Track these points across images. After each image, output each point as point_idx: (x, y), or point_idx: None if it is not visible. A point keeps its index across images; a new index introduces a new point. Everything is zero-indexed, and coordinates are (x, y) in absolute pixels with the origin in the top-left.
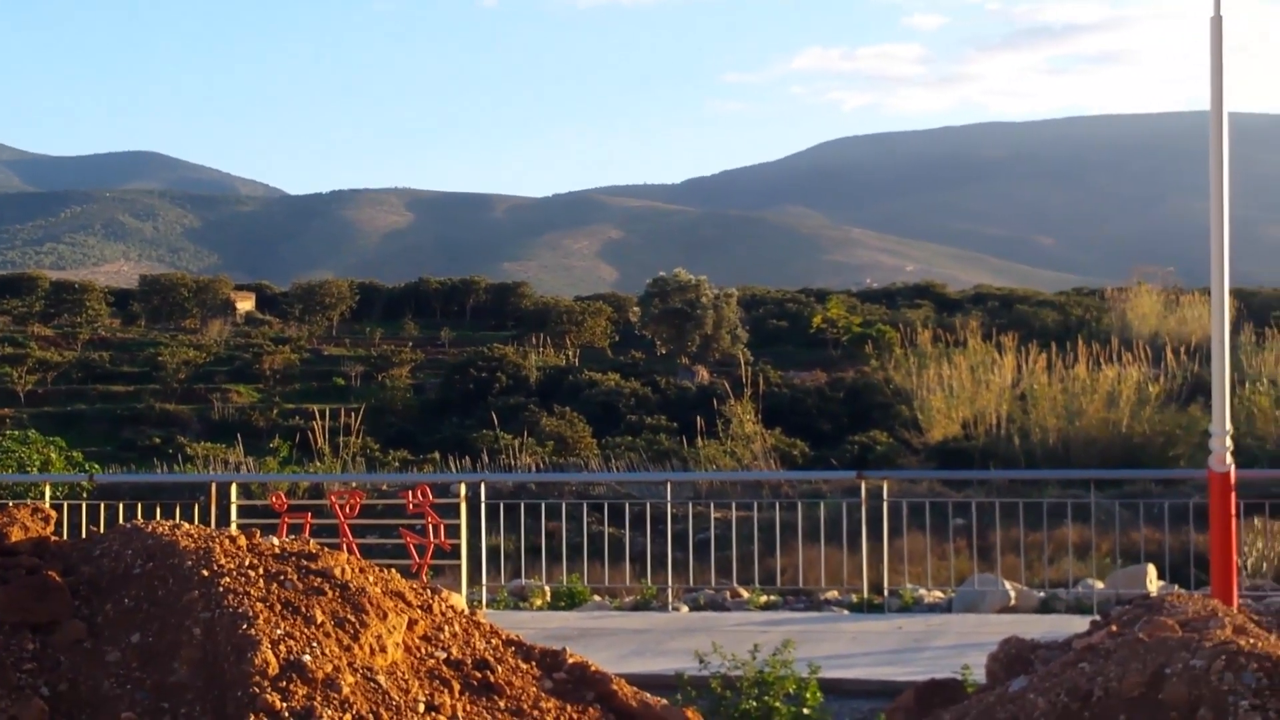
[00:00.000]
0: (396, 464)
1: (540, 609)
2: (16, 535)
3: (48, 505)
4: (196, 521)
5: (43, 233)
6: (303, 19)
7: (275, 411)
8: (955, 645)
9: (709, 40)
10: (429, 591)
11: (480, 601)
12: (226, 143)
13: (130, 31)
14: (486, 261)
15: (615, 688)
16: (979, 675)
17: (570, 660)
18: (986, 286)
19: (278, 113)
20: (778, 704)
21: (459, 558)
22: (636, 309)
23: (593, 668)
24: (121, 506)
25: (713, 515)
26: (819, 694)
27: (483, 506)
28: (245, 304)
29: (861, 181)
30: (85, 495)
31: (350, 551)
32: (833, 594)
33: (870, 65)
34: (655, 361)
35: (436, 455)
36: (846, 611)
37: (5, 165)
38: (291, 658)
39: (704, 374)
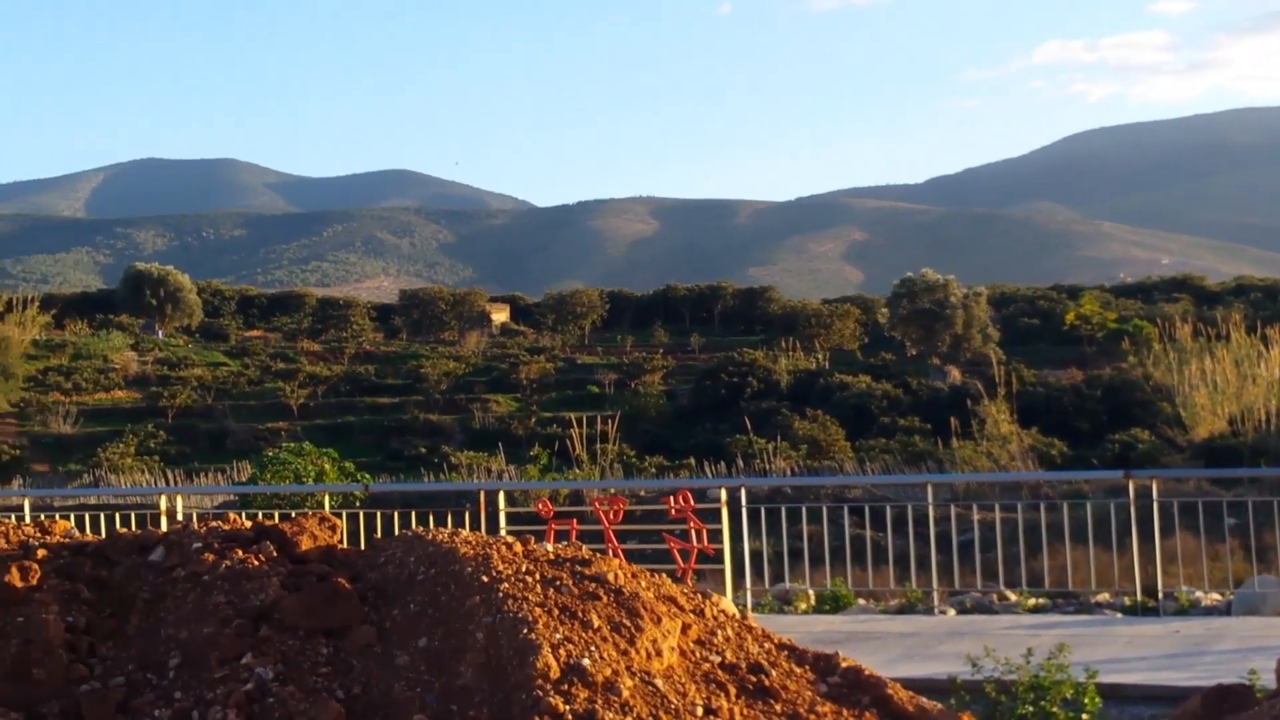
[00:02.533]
0: (653, 470)
1: (805, 613)
2: (306, 544)
3: (313, 515)
4: (466, 529)
5: (307, 252)
6: (546, 36)
7: (533, 420)
8: (1238, 650)
9: (945, 39)
10: (700, 596)
11: (745, 606)
12: (476, 158)
13: (384, 57)
14: (731, 267)
15: (890, 692)
16: (1267, 680)
17: (844, 664)
18: (1248, 278)
19: (525, 127)
20: (1055, 709)
21: (720, 562)
22: (884, 310)
23: (867, 672)
24: (395, 515)
25: (975, 517)
26: (1097, 699)
27: (743, 511)
28: (500, 315)
29: (1110, 174)
30: (358, 504)
31: (616, 557)
32: (1103, 596)
33: (1114, 55)
34: (905, 362)
35: (691, 461)
36: (1119, 615)
37: (270, 188)
38: (571, 661)
39: (956, 374)
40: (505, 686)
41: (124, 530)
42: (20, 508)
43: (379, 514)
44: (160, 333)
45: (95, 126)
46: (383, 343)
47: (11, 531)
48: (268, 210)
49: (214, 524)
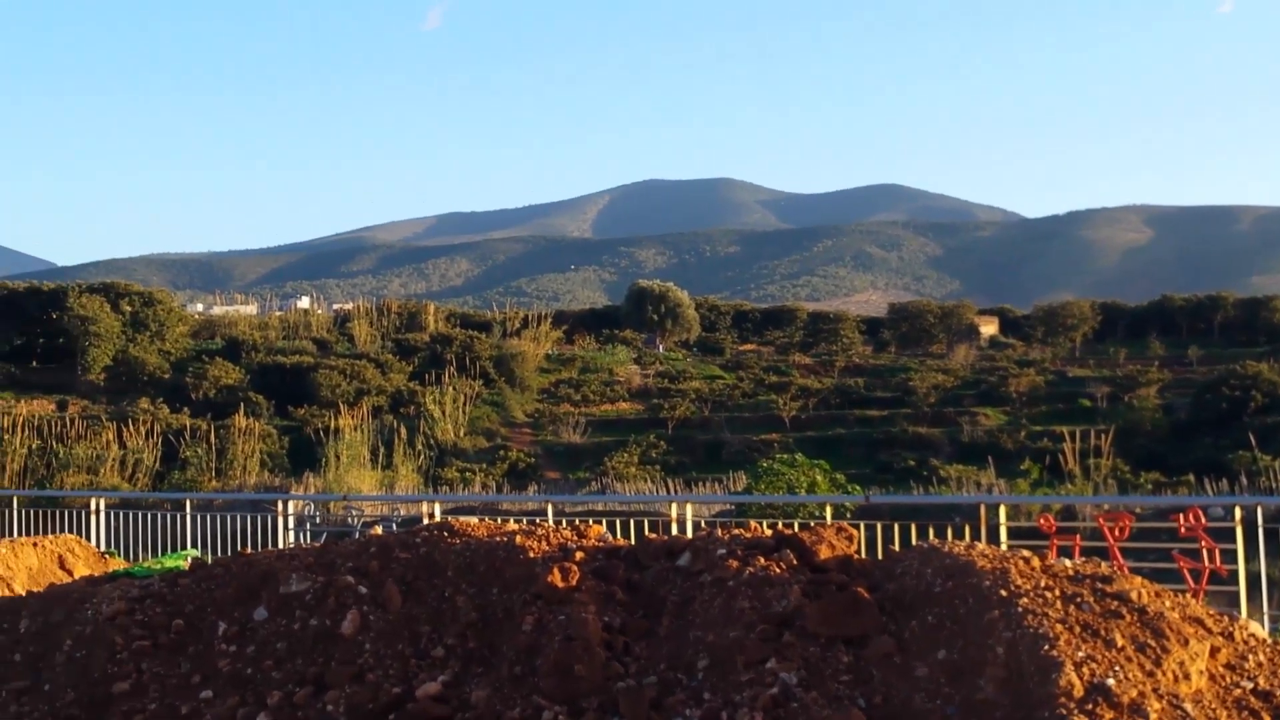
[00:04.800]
0: (1149, 486)
1: None
2: (824, 553)
3: (830, 525)
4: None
5: (798, 267)
6: (1037, 44)
7: (1023, 433)
8: None
9: None
10: (1227, 619)
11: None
12: (964, 170)
13: (873, 74)
14: (1232, 276)
15: None
16: None
17: None
18: None
19: (1013, 137)
20: None
21: (1229, 584)
22: None
23: None
24: (878, 527)
25: None
26: None
27: (1260, 531)
28: (989, 328)
29: None
30: (848, 515)
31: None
32: None
33: None
34: None
35: (1190, 477)
36: None
37: (763, 205)
38: (1095, 680)
39: None
40: (1026, 703)
41: (653, 536)
42: (540, 512)
43: (862, 525)
44: (661, 347)
45: (602, 152)
46: (872, 356)
47: (552, 534)
48: (761, 227)
49: (735, 532)
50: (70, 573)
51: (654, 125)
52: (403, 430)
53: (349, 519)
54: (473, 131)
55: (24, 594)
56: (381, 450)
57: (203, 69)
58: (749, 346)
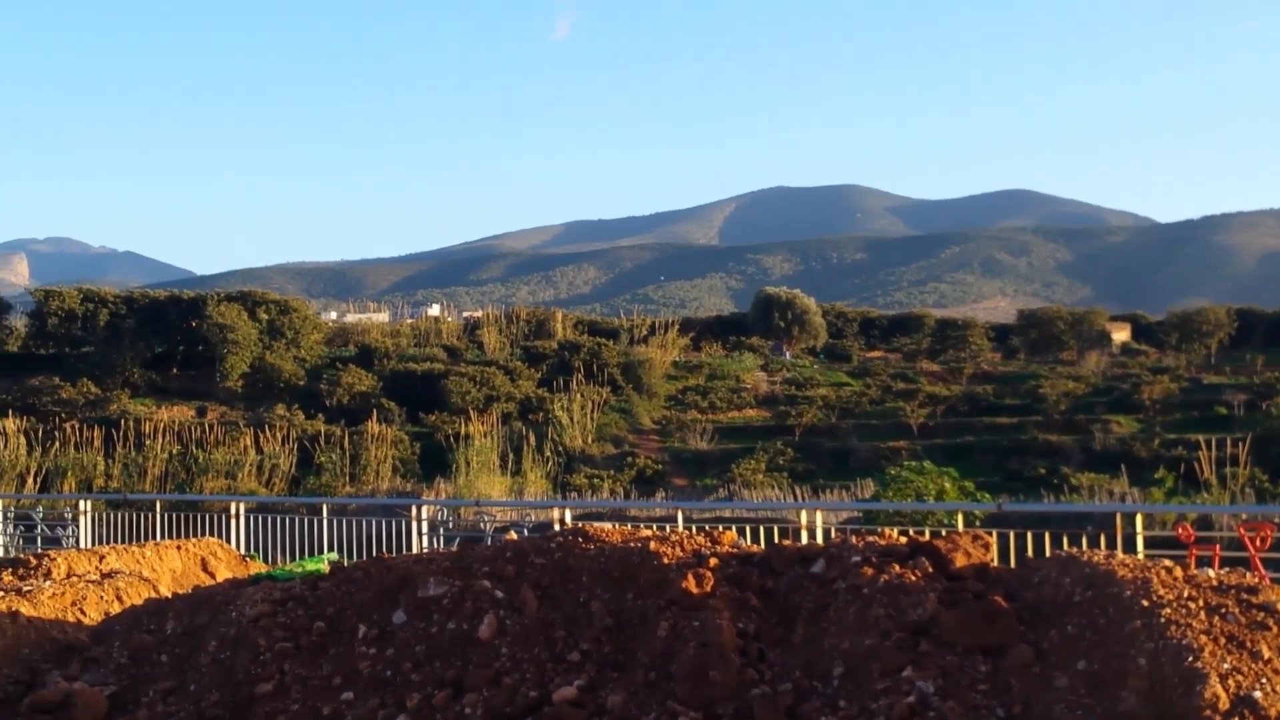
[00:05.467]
0: None
1: None
2: (960, 561)
3: (965, 532)
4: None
5: (925, 273)
6: (1163, 49)
7: (1156, 441)
8: None
9: None
10: None
11: None
12: (1096, 175)
13: (1005, 77)
14: None
15: None
16: None
17: None
18: None
19: (1146, 141)
20: None
21: None
22: None
23: None
24: (1012, 535)
25: None
26: None
27: None
28: (1120, 334)
29: None
30: (978, 524)
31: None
32: None
33: None
34: None
35: None
36: None
37: (891, 211)
38: (1241, 693)
39: None
40: (1170, 715)
41: (786, 543)
42: (668, 519)
43: (994, 533)
44: (788, 354)
45: (729, 159)
46: (1000, 363)
47: (686, 540)
48: (887, 233)
49: (869, 539)
50: (213, 575)
51: (781, 131)
52: (531, 437)
53: (481, 524)
54: (601, 139)
55: (169, 596)
56: (511, 456)
57: (337, 81)
58: (876, 353)
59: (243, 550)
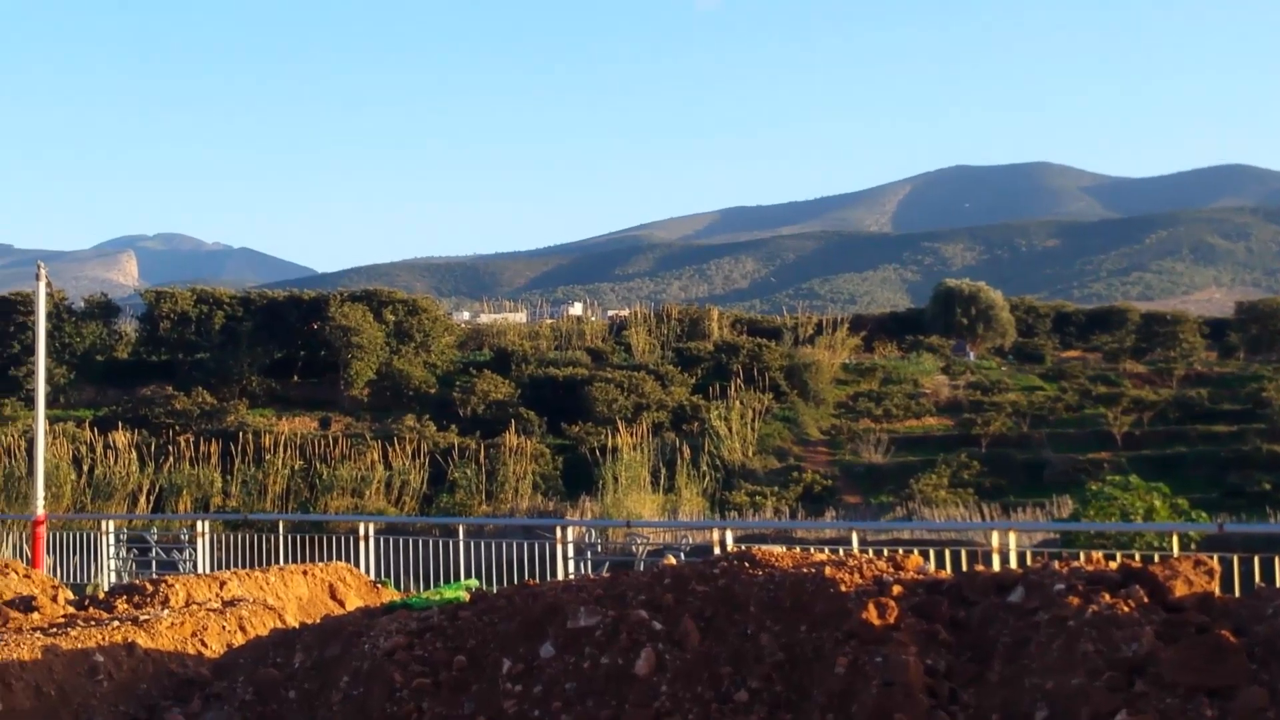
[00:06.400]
0: None
1: None
2: (1180, 590)
3: (1184, 557)
4: None
5: (1128, 261)
6: None
7: None
8: None
9: None
10: None
11: None
12: None
13: (1214, 36)
14: None
15: None
16: None
17: None
18: None
19: None
20: None
21: None
22: None
23: None
24: (1249, 561)
25: None
26: None
27: None
28: None
29: None
30: (1193, 546)
31: None
32: None
33: None
34: None
35: None
36: None
37: (1087, 192)
38: None
39: None
40: None
41: (979, 568)
42: (839, 541)
43: (1215, 557)
44: (971, 354)
45: (902, 137)
46: (1217, 362)
47: (865, 566)
48: (1083, 217)
49: (1074, 564)
50: (342, 603)
51: (961, 105)
52: (685, 449)
53: (632, 547)
54: (756, 118)
55: (297, 626)
56: (663, 471)
57: (465, 66)
58: (1073, 353)
59: (372, 575)
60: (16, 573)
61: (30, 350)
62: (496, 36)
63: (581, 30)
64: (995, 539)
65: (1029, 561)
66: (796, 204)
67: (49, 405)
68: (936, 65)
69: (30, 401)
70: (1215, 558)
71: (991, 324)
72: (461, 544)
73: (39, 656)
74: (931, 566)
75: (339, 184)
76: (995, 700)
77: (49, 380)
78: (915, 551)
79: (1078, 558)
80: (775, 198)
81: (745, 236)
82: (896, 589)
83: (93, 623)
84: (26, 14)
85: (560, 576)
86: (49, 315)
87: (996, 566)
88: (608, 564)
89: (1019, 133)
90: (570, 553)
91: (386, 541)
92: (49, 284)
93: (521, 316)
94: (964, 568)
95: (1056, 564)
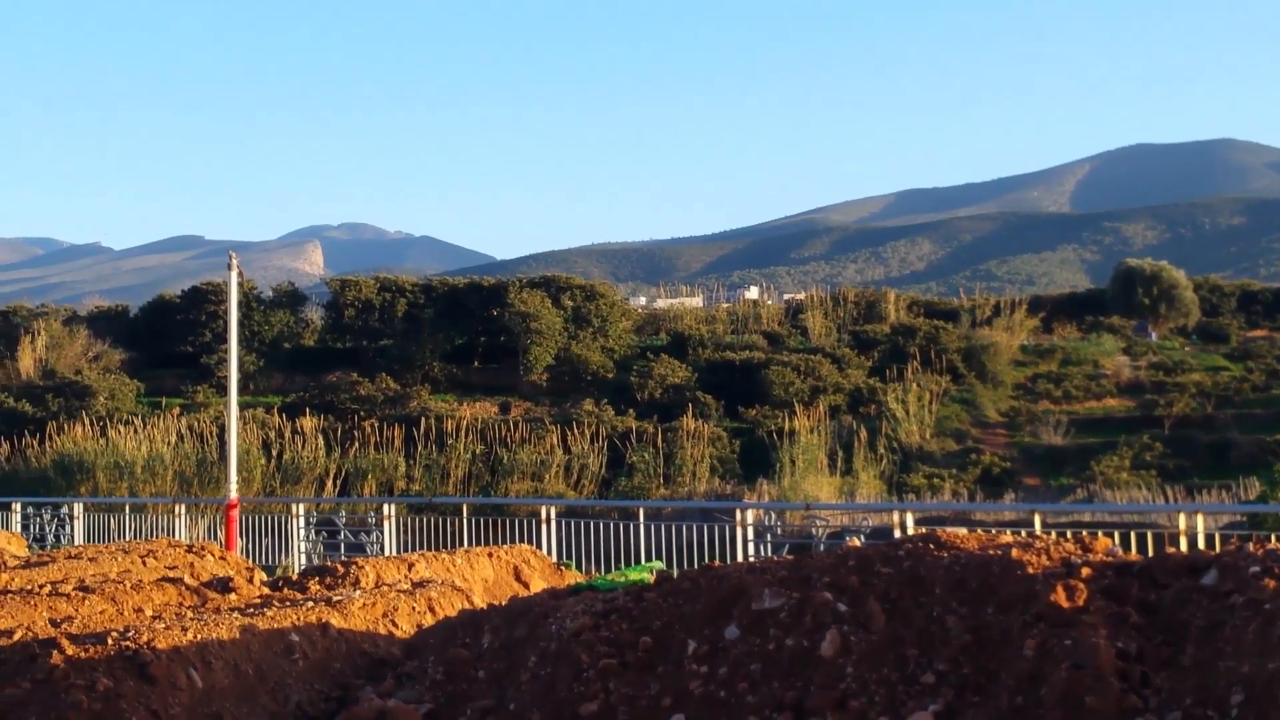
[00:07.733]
0: None
1: None
2: None
3: None
4: None
5: None
6: None
7: None
8: None
9: None
10: None
11: None
12: None
13: None
14: None
15: None
16: None
17: None
18: None
19: None
20: None
21: None
22: None
23: None
24: None
25: None
26: None
27: None
28: None
29: None
30: None
31: None
32: None
33: None
34: None
35: None
36: None
37: (1273, 168)
38: None
39: None
40: None
41: (1173, 550)
42: (1019, 523)
43: None
44: (1154, 335)
45: (1081, 115)
46: None
47: (1052, 548)
48: (1270, 193)
49: (1269, 546)
50: (526, 585)
51: (1141, 82)
52: (863, 432)
53: (811, 530)
54: (934, 98)
55: (484, 607)
56: (840, 454)
57: (639, 54)
58: (1259, 332)
59: (554, 557)
60: (213, 554)
61: (221, 338)
62: (674, 23)
63: (755, 15)
64: (1181, 521)
65: (1216, 544)
66: (973, 185)
67: (240, 392)
68: (1117, 43)
69: (222, 388)
70: None
71: (1174, 304)
72: (640, 527)
73: (237, 636)
74: (1119, 549)
75: (517, 172)
76: (1188, 684)
77: (240, 368)
78: (1098, 534)
79: (1268, 540)
80: (952, 179)
81: (921, 218)
82: (1085, 571)
83: (287, 603)
84: (220, 12)
85: (740, 559)
86: (239, 304)
87: (1184, 549)
88: (787, 547)
89: (1202, 109)
90: (750, 535)
91: (566, 524)
92: (240, 274)
93: (698, 301)
94: (1149, 550)
95: (1251, 546)
